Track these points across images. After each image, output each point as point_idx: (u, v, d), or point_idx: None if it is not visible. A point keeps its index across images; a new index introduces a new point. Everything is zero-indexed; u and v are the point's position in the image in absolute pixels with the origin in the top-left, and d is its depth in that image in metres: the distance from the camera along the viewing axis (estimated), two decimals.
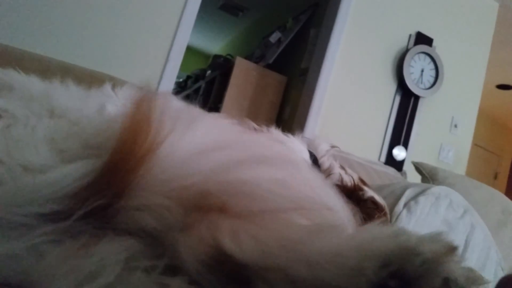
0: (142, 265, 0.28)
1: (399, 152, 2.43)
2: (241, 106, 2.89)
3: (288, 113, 2.79)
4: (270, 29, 3.58)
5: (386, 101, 2.46)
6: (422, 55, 2.50)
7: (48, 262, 0.27)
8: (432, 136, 2.57)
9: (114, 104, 0.46)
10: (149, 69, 1.90)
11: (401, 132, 2.46)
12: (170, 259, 0.29)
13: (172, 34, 1.94)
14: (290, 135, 0.71)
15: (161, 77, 1.91)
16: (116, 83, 0.55)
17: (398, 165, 2.35)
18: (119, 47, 1.83)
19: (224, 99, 2.89)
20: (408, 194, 0.85)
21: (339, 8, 2.32)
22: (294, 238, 0.28)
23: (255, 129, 0.64)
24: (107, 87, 0.53)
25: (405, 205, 0.83)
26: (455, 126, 2.64)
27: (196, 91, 3.99)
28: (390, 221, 0.78)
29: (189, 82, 4.41)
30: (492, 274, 0.81)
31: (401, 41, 2.50)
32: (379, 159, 2.40)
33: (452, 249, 0.24)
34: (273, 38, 3.24)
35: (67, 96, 0.43)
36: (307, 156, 0.68)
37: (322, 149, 0.73)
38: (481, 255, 0.82)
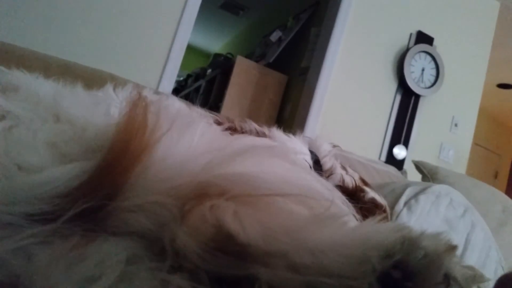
0: (145, 265, 0.28)
1: (399, 151, 2.43)
2: (242, 105, 2.88)
3: (289, 112, 2.79)
4: (270, 28, 3.57)
5: (387, 100, 2.46)
6: (423, 54, 2.49)
7: (39, 263, 0.27)
8: (433, 135, 2.57)
9: (115, 107, 0.46)
10: (149, 68, 1.90)
11: (401, 131, 2.46)
12: (171, 256, 0.28)
13: (173, 32, 1.94)
14: (291, 135, 0.71)
15: (161, 76, 1.91)
16: (117, 82, 0.54)
17: (398, 164, 2.35)
18: (119, 45, 1.83)
19: (224, 98, 2.89)
20: (408, 192, 0.85)
21: (339, 7, 2.31)
22: (298, 226, 0.28)
23: (257, 131, 0.64)
24: (109, 88, 0.52)
25: (406, 203, 0.83)
26: (456, 125, 2.63)
27: (197, 90, 3.98)
28: (391, 219, 0.78)
29: (189, 80, 4.40)
30: (492, 272, 0.81)
31: (402, 40, 2.50)
32: (379, 158, 2.40)
33: (451, 248, 0.25)
34: (274, 37, 3.24)
35: (75, 101, 0.42)
36: (308, 156, 0.68)
37: (324, 149, 0.73)
38: (481, 254, 0.82)
